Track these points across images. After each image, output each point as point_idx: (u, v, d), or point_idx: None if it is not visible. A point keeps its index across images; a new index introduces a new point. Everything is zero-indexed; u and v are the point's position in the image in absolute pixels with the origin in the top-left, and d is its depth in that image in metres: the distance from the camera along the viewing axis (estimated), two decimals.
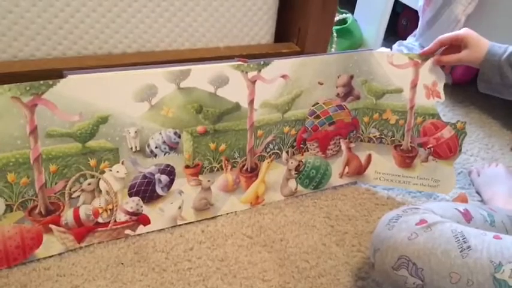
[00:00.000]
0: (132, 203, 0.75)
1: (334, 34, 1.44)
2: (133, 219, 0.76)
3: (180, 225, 0.80)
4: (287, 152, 0.87)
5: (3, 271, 0.68)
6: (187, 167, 0.79)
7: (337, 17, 1.48)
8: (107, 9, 0.75)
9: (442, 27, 1.24)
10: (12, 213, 0.67)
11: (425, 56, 0.85)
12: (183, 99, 0.74)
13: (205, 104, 0.76)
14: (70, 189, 0.70)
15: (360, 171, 0.94)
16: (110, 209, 0.74)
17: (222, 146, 0.80)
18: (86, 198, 0.72)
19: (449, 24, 1.23)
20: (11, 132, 0.63)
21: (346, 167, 0.93)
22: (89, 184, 0.71)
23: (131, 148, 0.73)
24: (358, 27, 1.55)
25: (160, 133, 0.74)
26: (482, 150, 1.12)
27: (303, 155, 0.89)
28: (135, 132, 0.72)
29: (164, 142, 0.75)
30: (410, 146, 0.91)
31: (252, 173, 0.85)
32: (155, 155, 0.75)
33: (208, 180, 0.80)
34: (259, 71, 0.78)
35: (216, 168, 0.81)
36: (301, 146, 0.88)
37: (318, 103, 0.86)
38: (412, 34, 1.46)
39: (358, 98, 0.90)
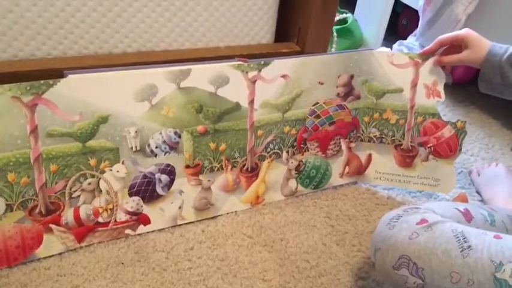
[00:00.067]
0: (132, 203, 0.75)
1: (335, 34, 1.44)
2: (134, 219, 0.76)
3: (180, 225, 0.80)
4: (287, 152, 0.87)
5: (3, 271, 0.68)
6: (187, 166, 0.79)
7: (338, 17, 1.48)
8: (107, 9, 0.75)
9: (443, 27, 1.24)
10: (12, 213, 0.67)
11: (425, 56, 0.85)
12: (184, 99, 0.74)
13: (205, 104, 0.76)
14: (70, 189, 0.70)
15: (360, 171, 0.94)
16: (110, 209, 0.74)
17: (223, 146, 0.80)
18: (86, 198, 0.72)
19: (450, 24, 1.23)
20: (11, 132, 0.63)
21: (347, 167, 0.93)
22: (89, 184, 0.71)
23: (131, 148, 0.73)
24: (359, 27, 1.56)
25: (161, 133, 0.74)
26: (483, 150, 1.12)
27: (303, 154, 0.89)
28: (136, 132, 0.72)
29: (164, 142, 0.75)
30: (411, 145, 0.91)
31: (252, 172, 0.85)
32: (155, 155, 0.75)
33: (209, 180, 0.80)
34: (260, 70, 0.78)
35: (217, 168, 0.81)
36: (302, 145, 0.88)
37: (318, 103, 0.86)
38: (412, 34, 1.46)
39: (358, 97, 0.90)
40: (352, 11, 1.59)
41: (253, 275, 0.72)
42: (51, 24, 0.73)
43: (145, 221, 0.77)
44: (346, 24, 1.50)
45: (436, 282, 0.55)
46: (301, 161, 0.89)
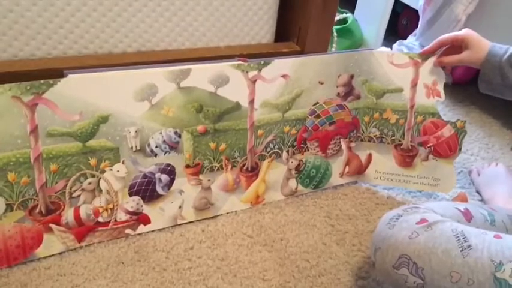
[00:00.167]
0: (132, 203, 0.75)
1: (335, 34, 1.44)
2: (134, 219, 0.76)
3: (180, 224, 0.80)
4: (287, 152, 0.87)
5: (3, 270, 0.68)
6: (187, 166, 0.79)
7: (338, 17, 1.48)
8: (107, 9, 0.75)
9: (443, 27, 1.24)
10: (12, 213, 0.67)
11: (425, 56, 0.85)
12: (184, 99, 0.74)
13: (205, 104, 0.76)
14: (70, 189, 0.70)
15: (360, 170, 0.94)
16: (110, 209, 0.74)
17: (223, 146, 0.80)
18: (87, 198, 0.72)
19: (450, 23, 1.23)
20: (11, 132, 0.63)
21: (347, 167, 0.93)
22: (90, 183, 0.71)
23: (131, 147, 0.73)
24: (359, 26, 1.56)
25: (161, 132, 0.74)
26: (483, 150, 1.12)
27: (303, 154, 0.89)
28: (136, 131, 0.72)
29: (164, 141, 0.75)
30: (411, 145, 0.91)
31: (253, 172, 0.85)
32: (155, 155, 0.75)
33: (209, 180, 0.81)
34: (260, 70, 0.78)
35: (217, 168, 0.81)
36: (302, 145, 0.88)
37: (318, 102, 0.86)
38: (412, 34, 1.46)
39: (358, 97, 0.90)
40: (352, 11, 1.59)
41: (253, 274, 0.72)
42: (51, 24, 0.73)
43: (146, 220, 0.77)
44: (346, 24, 1.50)
45: (436, 282, 0.55)
46: (301, 160, 0.89)
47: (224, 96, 0.77)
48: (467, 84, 1.36)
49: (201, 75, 0.74)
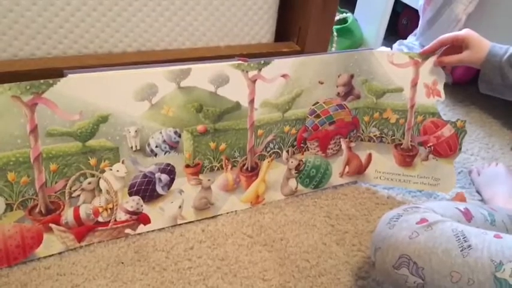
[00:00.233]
0: (132, 202, 0.75)
1: (335, 33, 1.44)
2: (134, 219, 0.76)
3: (180, 224, 0.80)
4: (287, 151, 0.87)
5: (3, 270, 0.68)
6: (187, 166, 0.79)
7: (338, 17, 1.48)
8: (107, 8, 0.75)
9: (443, 27, 1.24)
10: (12, 213, 0.67)
11: (425, 55, 0.85)
12: (184, 99, 0.74)
13: (205, 103, 0.76)
14: (70, 189, 0.70)
15: (360, 170, 0.94)
16: (110, 208, 0.74)
17: (223, 145, 0.80)
18: (86, 198, 0.72)
19: (450, 23, 1.23)
20: (11, 132, 0.63)
21: (347, 166, 0.93)
22: (89, 183, 0.71)
23: (131, 147, 0.73)
24: (359, 26, 1.56)
25: (161, 132, 0.74)
26: (483, 150, 1.12)
27: (303, 154, 0.89)
28: (136, 131, 0.72)
29: (164, 141, 0.75)
30: (411, 144, 0.91)
31: (252, 172, 0.85)
32: (155, 154, 0.75)
33: (209, 180, 0.80)
34: (260, 70, 0.78)
35: (217, 168, 0.81)
36: (302, 145, 0.88)
37: (318, 102, 0.86)
38: (412, 33, 1.46)
39: (358, 97, 0.90)
40: (352, 11, 1.59)
41: (253, 274, 0.72)
42: (51, 24, 0.73)
43: (145, 220, 0.77)
44: (346, 24, 1.50)
45: (436, 282, 0.55)
46: (301, 160, 0.89)
47: (224, 96, 0.77)
48: (467, 84, 1.36)
49: (201, 75, 0.74)
